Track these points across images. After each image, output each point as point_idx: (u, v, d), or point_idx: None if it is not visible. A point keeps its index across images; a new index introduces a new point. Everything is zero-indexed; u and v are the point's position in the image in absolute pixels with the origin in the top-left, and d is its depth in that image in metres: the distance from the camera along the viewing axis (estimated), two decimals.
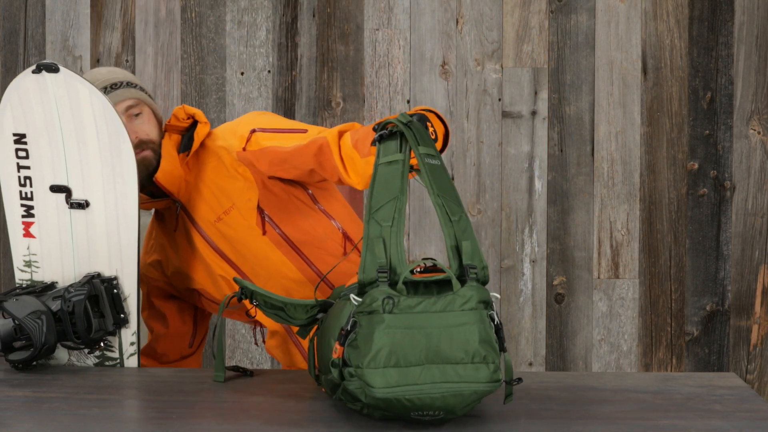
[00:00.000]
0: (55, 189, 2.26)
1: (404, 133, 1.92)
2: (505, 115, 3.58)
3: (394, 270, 1.85)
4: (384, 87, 3.57)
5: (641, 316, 3.60)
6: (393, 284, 1.83)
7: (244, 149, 2.42)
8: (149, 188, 2.44)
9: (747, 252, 3.59)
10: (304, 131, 2.39)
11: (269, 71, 3.59)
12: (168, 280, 2.55)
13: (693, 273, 3.60)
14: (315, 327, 2.07)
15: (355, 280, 1.94)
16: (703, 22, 3.57)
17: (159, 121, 2.46)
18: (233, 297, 2.10)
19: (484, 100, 3.58)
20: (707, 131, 3.58)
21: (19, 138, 2.25)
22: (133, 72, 3.58)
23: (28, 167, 2.26)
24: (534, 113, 3.57)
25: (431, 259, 1.92)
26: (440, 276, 1.86)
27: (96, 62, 3.58)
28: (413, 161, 1.93)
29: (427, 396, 1.79)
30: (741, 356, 3.61)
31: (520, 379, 1.91)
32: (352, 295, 1.85)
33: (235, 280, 2.13)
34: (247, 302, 2.11)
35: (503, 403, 1.91)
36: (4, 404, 2.01)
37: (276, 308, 2.07)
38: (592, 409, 2.00)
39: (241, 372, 2.20)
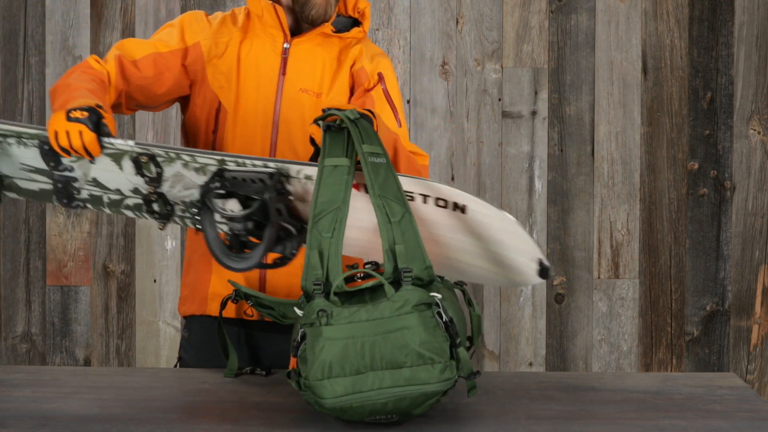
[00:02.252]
0: None
1: (350, 131, 1.92)
2: (505, 115, 3.58)
3: (329, 282, 1.87)
4: None
5: (641, 317, 3.60)
6: (327, 295, 1.86)
7: (366, 90, 2.38)
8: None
9: (747, 252, 3.59)
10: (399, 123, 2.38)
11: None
12: (188, 70, 2.41)
13: (693, 273, 3.60)
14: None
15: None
16: (703, 22, 3.57)
17: None
18: (229, 299, 2.15)
19: (484, 100, 3.58)
20: (707, 131, 3.58)
21: None
22: None
23: None
24: (534, 113, 3.57)
25: (373, 263, 1.94)
26: (373, 282, 1.87)
27: None
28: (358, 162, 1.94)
29: (377, 402, 1.82)
30: (741, 356, 3.61)
31: (477, 372, 1.89)
32: (295, 308, 1.88)
33: (230, 281, 2.17)
34: (243, 303, 2.13)
35: (468, 396, 1.89)
36: (4, 404, 2.01)
37: (268, 308, 2.12)
38: (592, 409, 2.00)
39: (256, 372, 2.21)
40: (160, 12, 3.59)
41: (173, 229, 3.60)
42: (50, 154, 2.08)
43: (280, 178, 2.01)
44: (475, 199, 1.96)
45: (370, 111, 2.05)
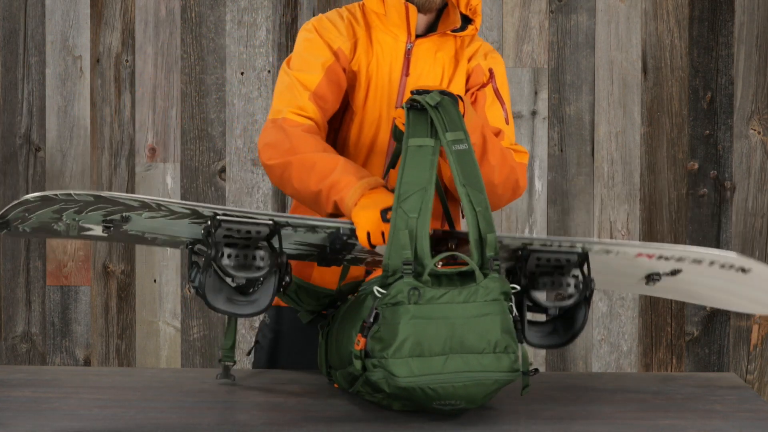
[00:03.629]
0: None
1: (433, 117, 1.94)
2: None
3: (419, 262, 1.87)
4: None
5: (641, 316, 3.60)
6: (418, 276, 1.86)
7: (484, 84, 2.36)
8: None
9: (747, 252, 3.59)
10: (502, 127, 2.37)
11: (269, 71, 3.59)
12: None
13: None
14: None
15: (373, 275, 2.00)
16: (704, 22, 3.57)
17: None
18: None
19: None
20: (707, 131, 3.58)
21: None
22: (133, 72, 3.58)
23: None
24: (534, 113, 3.57)
25: (453, 252, 1.94)
26: (464, 268, 1.88)
27: (96, 62, 3.58)
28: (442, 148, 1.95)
29: (450, 385, 1.82)
30: (741, 356, 3.61)
31: (536, 370, 1.95)
32: (375, 288, 1.87)
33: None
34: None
35: (521, 394, 1.93)
36: (4, 404, 2.01)
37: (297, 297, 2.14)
38: (592, 409, 2.00)
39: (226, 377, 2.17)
40: (160, 12, 3.59)
41: None
42: (347, 245, 2.06)
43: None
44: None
45: (459, 96, 2.06)
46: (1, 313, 3.63)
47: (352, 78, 2.33)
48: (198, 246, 2.02)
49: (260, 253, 1.97)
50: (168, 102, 3.59)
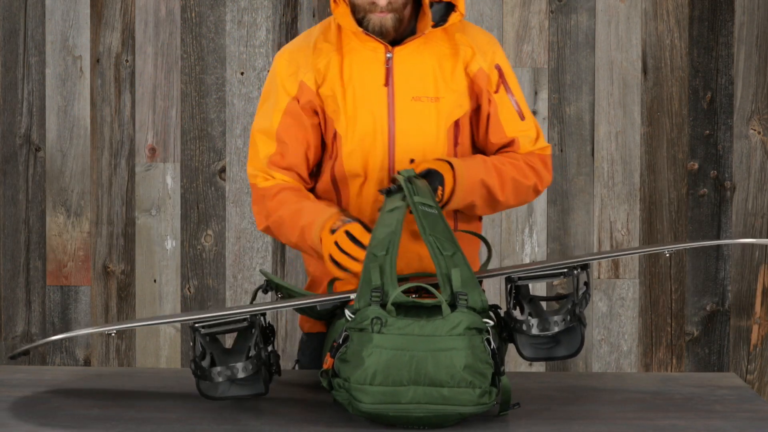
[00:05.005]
0: None
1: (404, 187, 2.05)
2: None
3: (386, 292, 1.91)
4: None
5: (641, 317, 3.60)
6: (383, 305, 1.90)
7: (491, 88, 2.32)
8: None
9: (747, 252, 3.59)
10: (522, 117, 2.34)
11: (269, 71, 3.59)
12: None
13: (693, 273, 3.60)
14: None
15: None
16: (704, 22, 3.57)
17: None
18: (259, 288, 2.20)
19: None
20: (707, 131, 3.58)
21: None
22: (133, 72, 3.58)
23: None
24: (534, 113, 3.57)
25: (419, 283, 1.98)
26: (431, 301, 1.92)
27: (96, 62, 3.58)
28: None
29: (412, 415, 1.87)
30: (741, 356, 3.61)
31: (517, 404, 1.96)
32: (346, 311, 1.92)
33: (261, 271, 2.25)
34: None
35: (497, 414, 1.95)
36: (4, 404, 2.01)
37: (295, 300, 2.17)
38: (592, 409, 2.00)
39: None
40: (160, 12, 3.59)
41: (173, 229, 3.61)
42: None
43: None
44: None
45: (448, 162, 2.17)
46: (1, 313, 3.63)
47: (324, 103, 2.29)
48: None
49: (248, 344, 2.02)
50: (168, 102, 3.59)
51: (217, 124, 3.58)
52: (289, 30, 3.58)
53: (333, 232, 2.11)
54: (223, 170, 3.59)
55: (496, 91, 2.31)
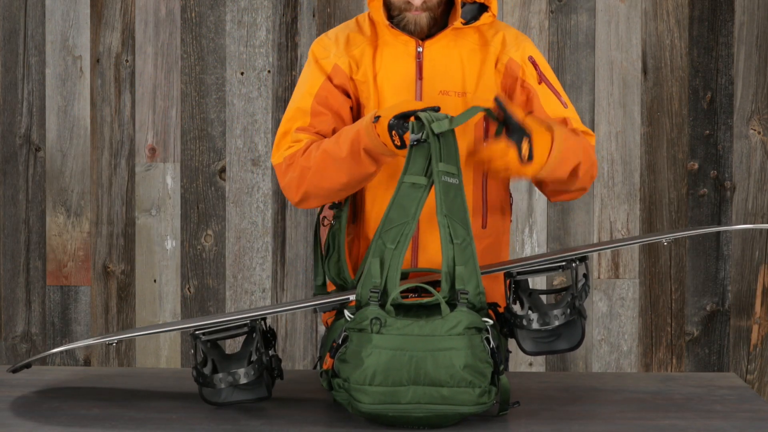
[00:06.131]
0: None
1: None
2: None
3: (386, 292, 1.91)
4: None
5: (641, 316, 3.60)
6: (383, 305, 1.90)
7: (524, 82, 2.31)
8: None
9: (747, 252, 3.59)
10: (565, 105, 2.32)
11: (269, 71, 3.59)
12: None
13: (693, 273, 3.60)
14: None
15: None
16: (704, 22, 3.57)
17: None
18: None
19: None
20: (707, 131, 3.58)
21: None
22: (133, 72, 3.58)
23: None
24: None
25: (419, 284, 1.97)
26: (429, 300, 1.91)
27: (96, 62, 3.58)
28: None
29: (412, 415, 1.87)
30: (741, 356, 3.61)
31: (517, 403, 1.96)
32: (346, 311, 1.92)
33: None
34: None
35: (497, 414, 1.95)
36: (4, 404, 2.01)
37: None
38: (592, 409, 2.00)
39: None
40: (160, 12, 3.59)
41: (173, 229, 3.61)
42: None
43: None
44: None
45: (547, 125, 2.11)
46: (1, 313, 3.63)
47: (358, 89, 2.30)
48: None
49: (249, 350, 2.01)
50: (168, 102, 3.59)
51: (217, 124, 3.58)
52: (289, 30, 3.58)
53: (378, 119, 2.06)
54: (223, 170, 3.59)
55: (540, 83, 2.31)
